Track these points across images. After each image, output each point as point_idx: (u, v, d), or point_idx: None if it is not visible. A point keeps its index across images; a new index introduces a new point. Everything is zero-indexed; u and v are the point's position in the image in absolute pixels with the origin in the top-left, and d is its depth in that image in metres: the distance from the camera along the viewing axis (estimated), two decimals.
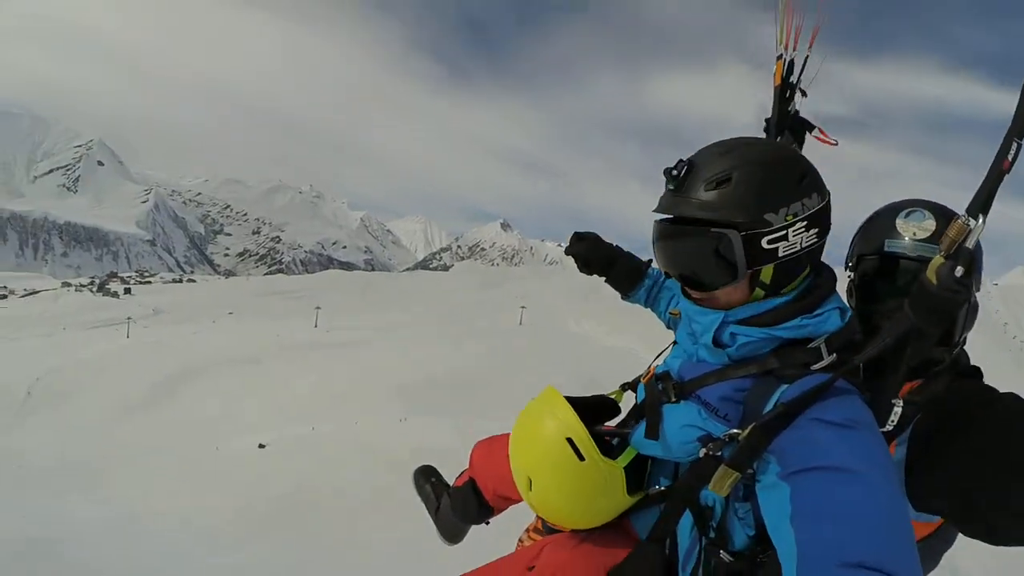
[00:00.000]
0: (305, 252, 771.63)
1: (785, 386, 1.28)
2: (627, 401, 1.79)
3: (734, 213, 1.29)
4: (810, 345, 1.32)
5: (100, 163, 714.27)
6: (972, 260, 1.15)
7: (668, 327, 1.98)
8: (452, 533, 2.29)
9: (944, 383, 1.60)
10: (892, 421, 1.29)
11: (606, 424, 1.79)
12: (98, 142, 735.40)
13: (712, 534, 1.44)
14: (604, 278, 2.24)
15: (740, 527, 1.41)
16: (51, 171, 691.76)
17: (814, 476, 1.11)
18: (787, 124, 1.97)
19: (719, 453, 1.30)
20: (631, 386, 1.80)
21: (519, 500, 1.92)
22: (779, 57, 1.94)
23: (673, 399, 1.46)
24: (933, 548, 1.68)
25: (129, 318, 38.92)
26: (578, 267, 2.21)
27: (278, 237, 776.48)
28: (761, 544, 1.38)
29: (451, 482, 2.36)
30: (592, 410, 1.76)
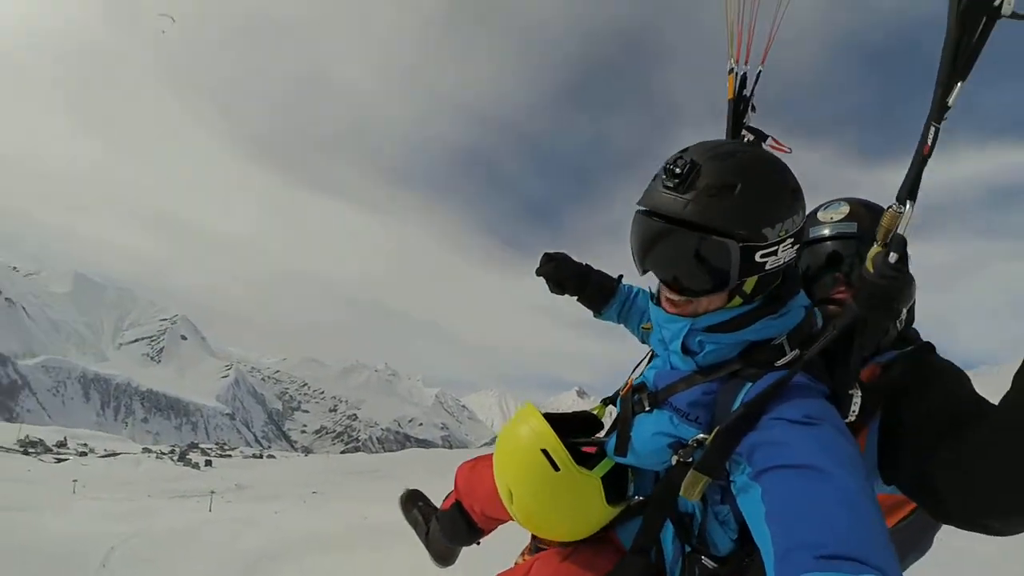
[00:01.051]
0: (381, 430, 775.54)
1: (749, 384, 1.33)
2: (610, 416, 1.79)
3: (736, 224, 1.31)
4: (773, 343, 1.38)
5: (183, 337, 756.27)
6: (904, 245, 1.21)
7: (642, 342, 1.99)
8: (443, 556, 2.32)
9: (900, 367, 1.58)
10: (853, 411, 1.32)
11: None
12: (182, 317, 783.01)
13: (694, 541, 1.49)
14: (576, 297, 2.23)
15: (722, 532, 1.46)
16: (136, 340, 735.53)
17: (781, 474, 1.13)
18: (740, 136, 1.92)
19: (689, 459, 1.35)
20: (612, 400, 1.79)
21: (507, 519, 1.95)
22: (731, 71, 1.92)
23: (647, 408, 1.50)
24: (921, 529, 1.68)
25: (213, 492, 38.09)
26: (549, 288, 2.22)
27: (355, 415, 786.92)
28: (745, 547, 1.42)
29: (439, 505, 2.38)
30: (576, 426, 1.82)
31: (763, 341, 1.40)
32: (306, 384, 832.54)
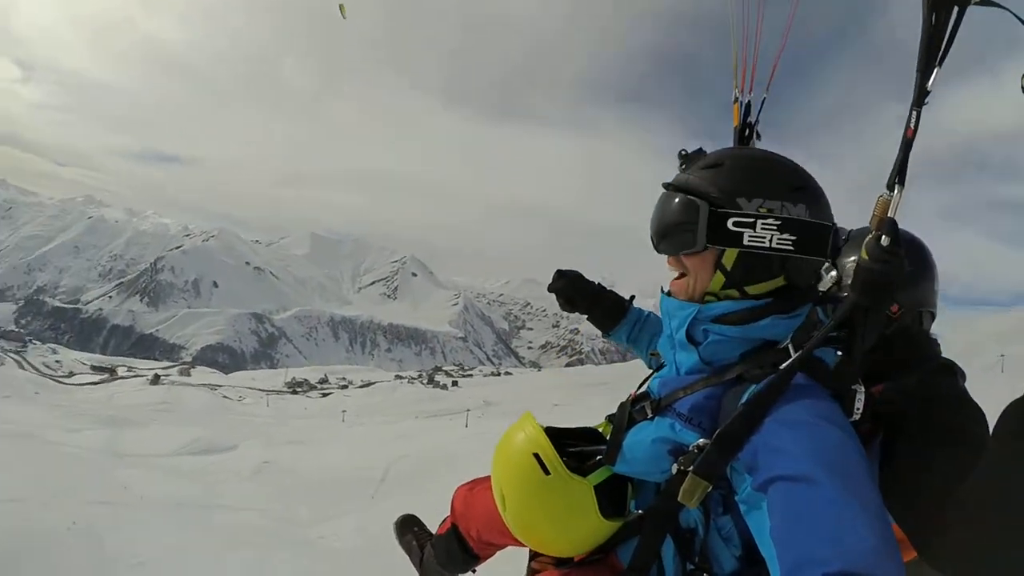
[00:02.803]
0: (603, 342, 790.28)
1: (753, 387, 1.31)
2: None
3: (709, 188, 1.41)
4: (779, 346, 1.37)
5: (414, 274, 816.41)
6: (896, 229, 1.22)
7: (650, 368, 1.91)
8: None
9: (915, 379, 1.63)
10: (858, 409, 1.30)
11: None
12: (410, 257, 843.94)
13: (696, 558, 1.45)
14: (586, 316, 2.25)
15: (725, 549, 1.41)
16: (372, 283, 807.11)
17: (784, 487, 1.10)
18: None
19: (690, 467, 1.29)
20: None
21: (504, 545, 2.04)
22: (735, 100, 1.98)
23: (650, 416, 1.48)
24: None
25: (468, 410, 39.95)
26: (560, 304, 2.26)
27: (576, 329, 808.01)
28: (750, 567, 1.39)
29: (434, 530, 2.37)
30: (575, 440, 1.79)
31: (771, 344, 1.38)
32: (528, 303, 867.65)
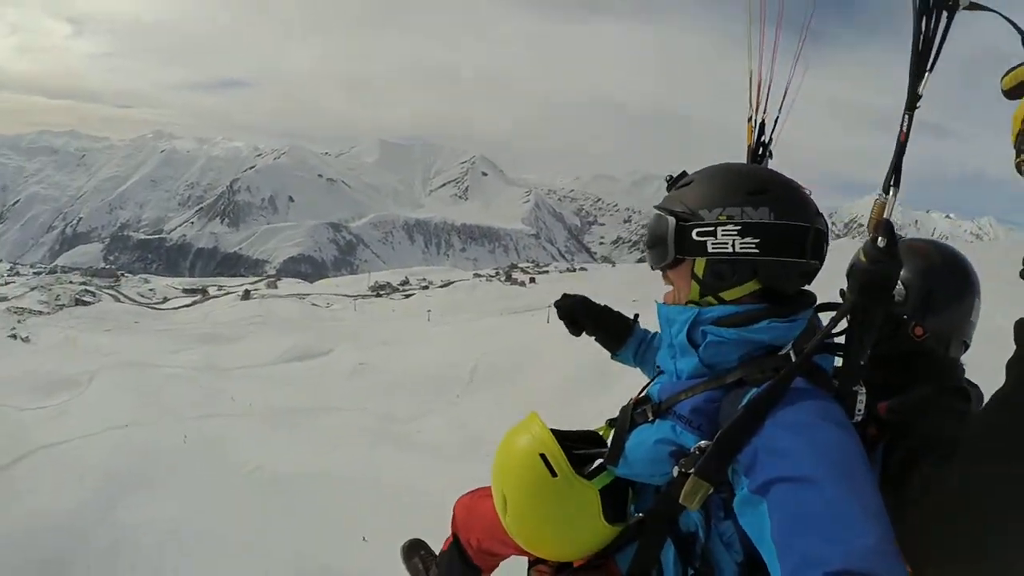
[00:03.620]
0: None
1: (754, 390, 1.33)
2: None
3: (675, 204, 1.50)
4: (780, 352, 1.39)
5: (484, 174, 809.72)
6: (892, 230, 1.24)
7: (643, 389, 1.88)
8: None
9: (926, 395, 1.69)
10: (859, 410, 1.34)
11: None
12: (480, 157, 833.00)
13: (698, 563, 1.45)
14: (593, 337, 2.26)
15: (727, 555, 1.42)
16: (443, 184, 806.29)
17: (784, 488, 1.12)
18: None
19: (690, 470, 1.31)
20: (615, 421, 1.78)
21: (505, 555, 2.04)
22: (749, 119, 2.01)
23: (651, 419, 1.50)
24: None
25: (550, 306, 39.97)
26: (566, 326, 2.26)
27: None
28: (753, 572, 1.38)
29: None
30: (577, 443, 1.78)
31: (772, 349, 1.40)
32: (599, 199, 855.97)
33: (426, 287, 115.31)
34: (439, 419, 15.00)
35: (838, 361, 1.42)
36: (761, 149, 2.03)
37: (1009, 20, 1.12)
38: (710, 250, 1.43)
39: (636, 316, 2.32)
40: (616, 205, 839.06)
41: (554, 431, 1.67)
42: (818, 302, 1.52)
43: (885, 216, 1.27)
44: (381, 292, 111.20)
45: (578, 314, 2.25)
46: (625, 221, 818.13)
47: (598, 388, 20.02)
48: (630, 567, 1.54)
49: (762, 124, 2.03)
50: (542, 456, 1.56)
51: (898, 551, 1.02)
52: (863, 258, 1.27)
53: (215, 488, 7.40)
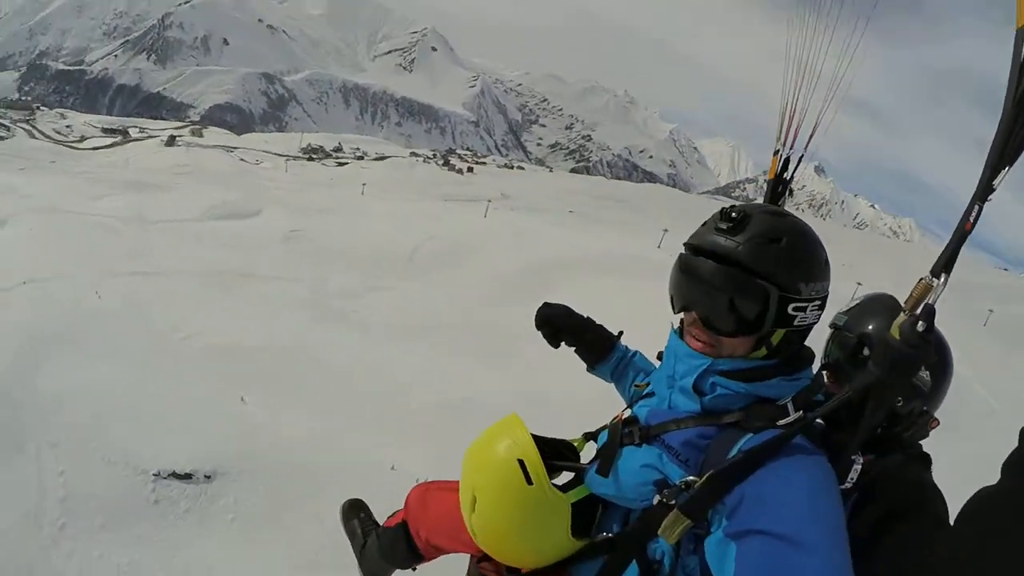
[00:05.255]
0: (612, 155, 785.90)
1: (749, 435, 1.34)
2: (589, 451, 1.81)
3: (779, 273, 1.40)
4: (779, 403, 1.40)
5: (434, 48, 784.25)
6: (933, 316, 1.23)
7: (630, 404, 1.92)
8: (374, 574, 2.30)
9: (894, 463, 1.72)
10: (851, 479, 1.39)
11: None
12: (432, 30, 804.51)
13: None
14: (573, 348, 2.22)
15: None
16: (389, 52, 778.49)
17: (760, 541, 1.11)
18: None
19: (672, 501, 1.34)
20: (593, 436, 1.82)
21: (451, 550, 2.03)
22: (776, 152, 2.03)
23: (637, 442, 1.51)
24: None
25: (490, 200, 39.38)
26: (545, 335, 2.20)
27: (589, 135, 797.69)
28: None
29: (381, 520, 2.38)
30: (552, 451, 1.78)
31: (770, 399, 1.42)
32: (546, 99, 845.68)
33: (360, 157, 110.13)
34: (379, 299, 14.45)
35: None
36: (782, 186, 2.03)
37: None
38: (796, 324, 1.43)
39: (620, 333, 2.26)
40: (561, 109, 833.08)
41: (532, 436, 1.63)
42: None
43: (929, 301, 1.23)
44: (313, 156, 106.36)
45: (560, 324, 2.19)
46: (566, 127, 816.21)
47: (535, 293, 19.69)
48: None
49: (787, 160, 2.01)
50: (520, 462, 1.53)
51: None
52: (897, 335, 1.23)
53: (147, 354, 6.64)
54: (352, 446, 5.78)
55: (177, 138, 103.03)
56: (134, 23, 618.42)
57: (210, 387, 6.19)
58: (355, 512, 2.54)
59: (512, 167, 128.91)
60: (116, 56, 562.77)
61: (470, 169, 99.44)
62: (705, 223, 1.51)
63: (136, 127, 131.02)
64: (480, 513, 1.58)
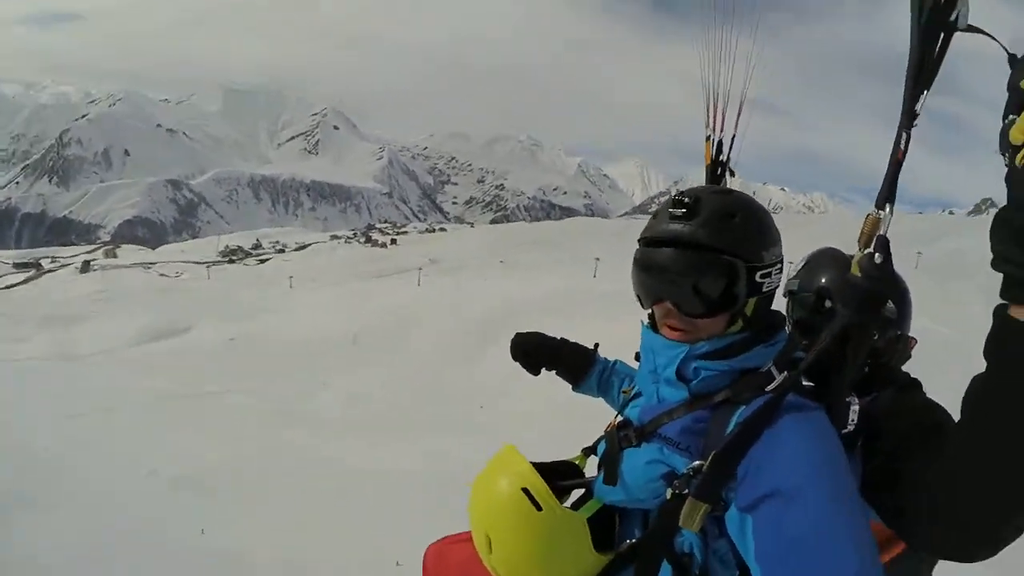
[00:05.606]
0: (528, 198, 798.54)
1: (742, 407, 1.36)
2: (590, 466, 1.81)
3: (741, 246, 1.43)
4: (762, 369, 1.41)
5: (335, 127, 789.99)
6: (887, 246, 1.26)
7: (619, 411, 1.86)
8: None
9: (889, 397, 1.75)
10: (852, 420, 1.38)
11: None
12: (331, 109, 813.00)
13: None
14: (554, 371, 2.24)
15: (723, 570, 1.41)
16: (292, 138, 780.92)
17: (769, 506, 1.14)
18: None
19: (685, 491, 1.33)
20: (592, 450, 1.82)
21: None
22: (707, 138, 2.06)
23: (635, 443, 1.50)
24: (915, 564, 1.76)
25: (420, 268, 39.45)
26: (522, 364, 2.23)
27: (501, 184, 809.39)
28: None
29: None
30: (555, 474, 1.74)
31: (752, 369, 1.43)
32: (454, 158, 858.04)
33: (282, 250, 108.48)
34: (332, 393, 14.28)
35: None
36: (720, 169, 2.07)
37: (1003, 45, 1.11)
38: (764, 290, 1.46)
39: (596, 345, 2.29)
40: (470, 165, 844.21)
41: (531, 463, 1.62)
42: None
43: (881, 232, 1.27)
44: (234, 258, 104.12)
45: (535, 351, 2.22)
46: (479, 181, 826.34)
47: (481, 348, 19.98)
48: None
49: (720, 143, 2.05)
50: (524, 491, 1.50)
51: (880, 567, 1.05)
52: (858, 272, 1.27)
53: (115, 497, 6.38)
54: (352, 545, 5.70)
55: (91, 263, 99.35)
56: (32, 145, 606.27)
57: (184, 522, 6.04)
58: None
59: (434, 230, 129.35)
60: (18, 183, 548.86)
61: (393, 241, 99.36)
62: (655, 215, 1.55)
63: (48, 257, 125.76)
64: (498, 552, 1.54)
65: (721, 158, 2.06)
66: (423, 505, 6.32)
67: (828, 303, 1.97)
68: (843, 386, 1.37)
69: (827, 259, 2.10)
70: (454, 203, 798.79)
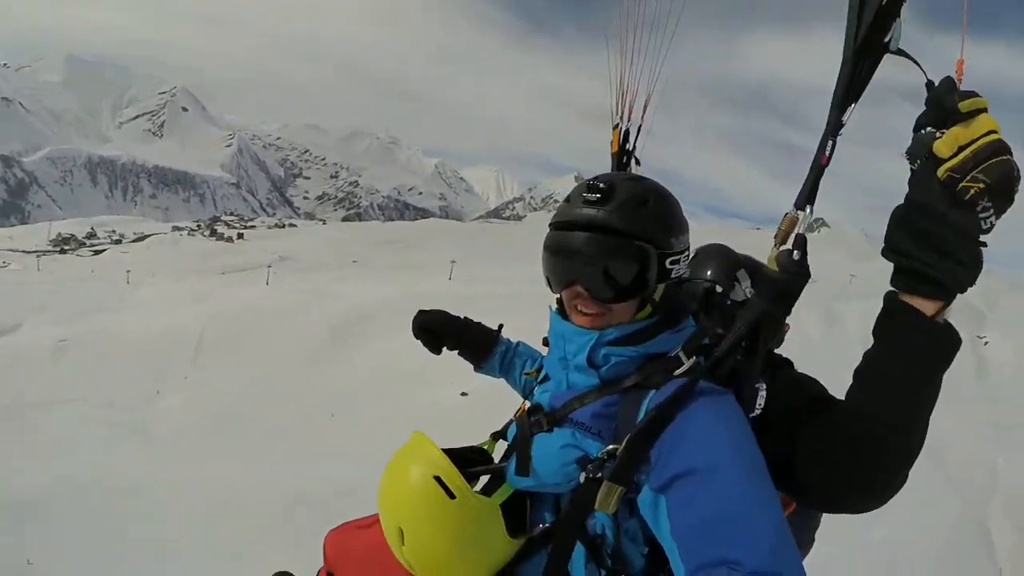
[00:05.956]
0: (383, 197, 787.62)
1: (652, 391, 1.38)
2: (499, 451, 1.81)
3: (654, 231, 1.46)
4: (670, 354, 1.45)
5: (184, 108, 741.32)
6: (805, 244, 1.29)
7: (524, 394, 1.97)
8: None
9: (767, 377, 1.73)
10: (759, 406, 1.43)
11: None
12: (181, 89, 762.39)
13: (609, 563, 1.46)
14: (456, 351, 2.26)
15: (634, 548, 1.44)
16: (136, 117, 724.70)
17: (683, 483, 1.17)
18: None
19: (598, 474, 1.35)
20: (501, 434, 1.84)
21: None
22: (615, 126, 2.11)
23: (546, 428, 1.51)
24: (802, 526, 1.88)
25: (270, 266, 37.75)
26: (424, 342, 2.23)
27: (356, 182, 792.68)
28: (658, 562, 1.42)
29: None
30: (463, 461, 1.70)
31: (660, 354, 1.46)
32: (307, 151, 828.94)
33: (118, 241, 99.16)
34: (175, 399, 13.41)
35: None
36: (626, 157, 2.13)
37: (925, 72, 1.18)
38: (672, 277, 1.50)
39: (500, 326, 2.34)
40: (324, 159, 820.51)
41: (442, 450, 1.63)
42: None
43: (799, 231, 1.30)
44: (66, 247, 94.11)
45: (440, 330, 2.24)
46: (332, 176, 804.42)
47: (338, 351, 19.59)
48: None
49: (627, 132, 2.12)
50: (436, 478, 1.49)
51: (795, 545, 1.08)
52: (776, 267, 1.31)
53: None
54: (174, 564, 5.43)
55: None
56: None
57: (8, 550, 5.50)
58: None
59: (283, 226, 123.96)
60: None
61: (240, 235, 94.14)
62: (569, 200, 1.57)
63: None
64: (411, 544, 1.52)
65: (628, 146, 2.13)
66: (258, 523, 6.16)
67: (719, 288, 2.15)
68: (754, 371, 1.42)
69: (712, 252, 2.25)
70: (305, 198, 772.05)
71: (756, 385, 1.43)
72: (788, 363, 1.92)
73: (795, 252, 1.28)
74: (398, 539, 1.53)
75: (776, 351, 2.05)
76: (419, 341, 2.26)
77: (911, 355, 1.18)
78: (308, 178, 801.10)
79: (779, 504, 1.12)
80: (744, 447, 1.21)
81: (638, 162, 2.12)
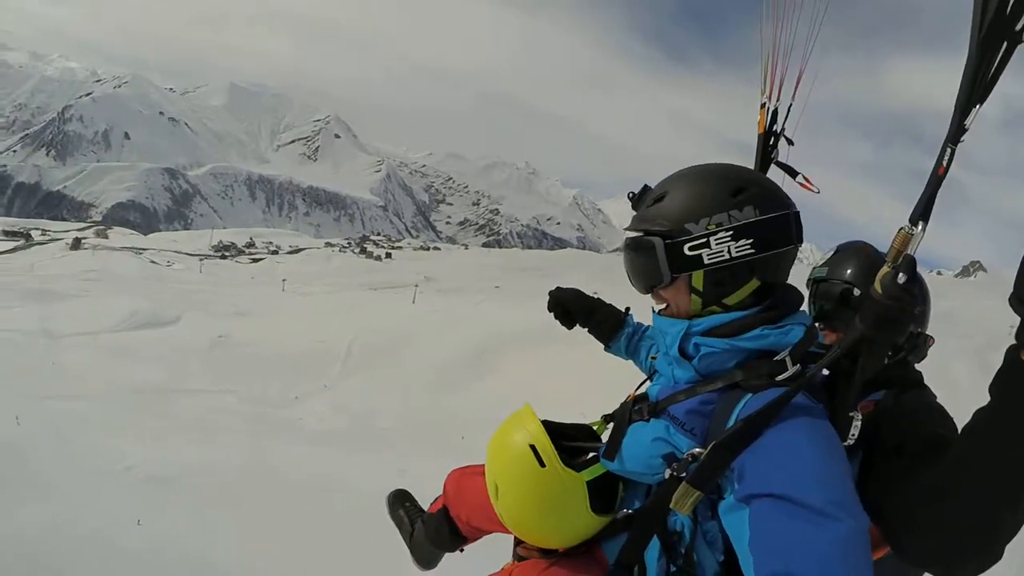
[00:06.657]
0: (521, 225, 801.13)
1: (749, 395, 1.35)
2: (608, 433, 1.83)
3: (659, 223, 1.47)
4: (776, 357, 1.39)
5: (337, 136, 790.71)
6: (914, 266, 1.23)
7: (649, 376, 1.96)
8: (426, 559, 2.38)
9: (892, 397, 1.77)
10: (853, 435, 1.34)
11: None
12: (334, 117, 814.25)
13: (680, 561, 1.46)
14: (586, 328, 2.30)
15: (709, 552, 1.43)
16: (293, 141, 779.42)
17: (770, 504, 1.14)
18: (766, 171, 2.04)
19: (683, 474, 1.35)
20: (611, 417, 1.84)
21: (491, 531, 2.11)
22: (762, 106, 2.03)
23: (646, 418, 1.53)
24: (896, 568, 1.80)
25: (416, 285, 38.81)
26: (556, 317, 2.27)
27: (496, 209, 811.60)
28: (730, 572, 1.39)
29: (426, 507, 2.46)
30: (567, 436, 1.84)
31: (765, 353, 1.41)
32: (451, 178, 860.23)
33: (275, 252, 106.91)
34: (319, 403, 13.66)
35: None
36: (773, 139, 2.01)
37: None
38: (706, 262, 1.43)
39: (627, 309, 2.32)
40: (466, 186, 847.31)
41: (547, 423, 1.74)
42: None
43: (910, 251, 1.23)
44: (227, 254, 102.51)
45: (572, 306, 2.25)
46: (474, 204, 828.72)
47: (476, 373, 19.42)
48: (616, 559, 1.55)
49: (775, 112, 2.00)
50: (532, 447, 1.61)
51: None
52: (879, 290, 1.25)
53: (85, 490, 5.79)
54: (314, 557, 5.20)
55: (82, 240, 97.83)
56: (33, 116, 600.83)
57: (163, 523, 5.43)
58: (400, 502, 2.60)
59: (428, 248, 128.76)
60: (15, 152, 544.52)
61: (388, 255, 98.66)
62: None
63: (38, 229, 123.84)
64: (503, 500, 1.66)
65: (775, 128, 2.02)
66: (381, 525, 5.77)
67: (857, 291, 1.96)
68: (848, 401, 1.32)
69: (854, 251, 2.07)
70: (447, 223, 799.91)
71: (851, 414, 1.32)
72: (920, 383, 1.85)
73: (900, 275, 1.22)
74: (495, 493, 1.69)
75: (916, 365, 1.95)
76: (552, 315, 2.27)
77: None
78: (451, 204, 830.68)
79: (861, 540, 1.08)
80: (834, 476, 1.15)
81: (790, 142, 2.00)
